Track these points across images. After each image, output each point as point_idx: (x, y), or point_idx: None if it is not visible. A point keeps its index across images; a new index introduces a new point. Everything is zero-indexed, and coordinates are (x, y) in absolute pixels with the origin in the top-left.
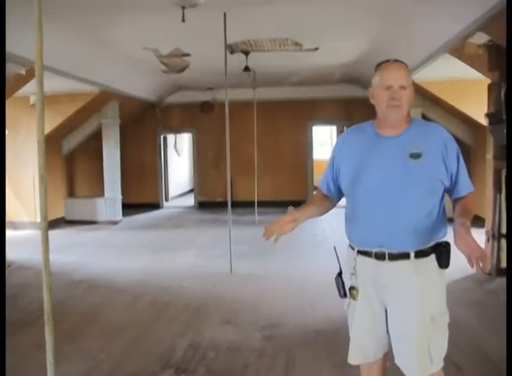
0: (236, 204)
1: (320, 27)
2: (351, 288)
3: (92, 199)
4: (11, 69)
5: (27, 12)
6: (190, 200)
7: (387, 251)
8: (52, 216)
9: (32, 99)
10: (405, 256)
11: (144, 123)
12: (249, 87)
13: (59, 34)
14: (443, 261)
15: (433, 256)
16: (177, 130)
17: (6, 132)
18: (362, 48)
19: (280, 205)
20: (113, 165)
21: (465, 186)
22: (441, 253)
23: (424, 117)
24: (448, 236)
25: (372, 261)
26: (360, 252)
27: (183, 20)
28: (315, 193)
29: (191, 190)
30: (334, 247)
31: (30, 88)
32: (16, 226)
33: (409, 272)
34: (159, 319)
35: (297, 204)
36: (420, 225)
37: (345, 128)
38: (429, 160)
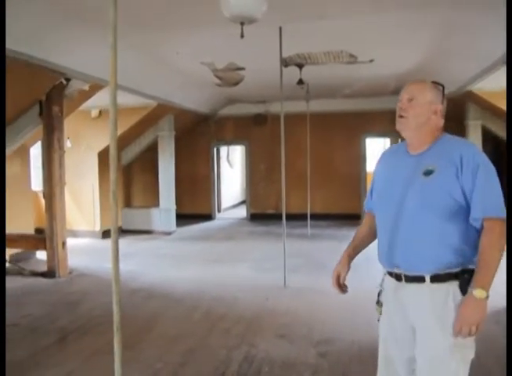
0: (288, 217)
1: (375, 39)
2: (377, 303)
3: (148, 209)
4: (75, 85)
5: (88, 30)
6: (242, 212)
7: (403, 273)
8: (110, 225)
9: (93, 113)
10: (420, 279)
11: (198, 135)
12: (302, 99)
13: (119, 50)
14: (466, 289)
15: (453, 282)
16: (230, 142)
17: (69, 145)
18: (417, 58)
19: (333, 218)
20: (168, 177)
21: (482, 208)
22: (465, 281)
23: (484, 129)
24: None
25: (393, 280)
26: (387, 271)
27: (242, 36)
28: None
29: (243, 202)
30: None
31: (91, 103)
32: (76, 235)
33: (425, 297)
34: (214, 331)
35: (350, 217)
36: (435, 248)
37: (399, 140)
38: (440, 176)
